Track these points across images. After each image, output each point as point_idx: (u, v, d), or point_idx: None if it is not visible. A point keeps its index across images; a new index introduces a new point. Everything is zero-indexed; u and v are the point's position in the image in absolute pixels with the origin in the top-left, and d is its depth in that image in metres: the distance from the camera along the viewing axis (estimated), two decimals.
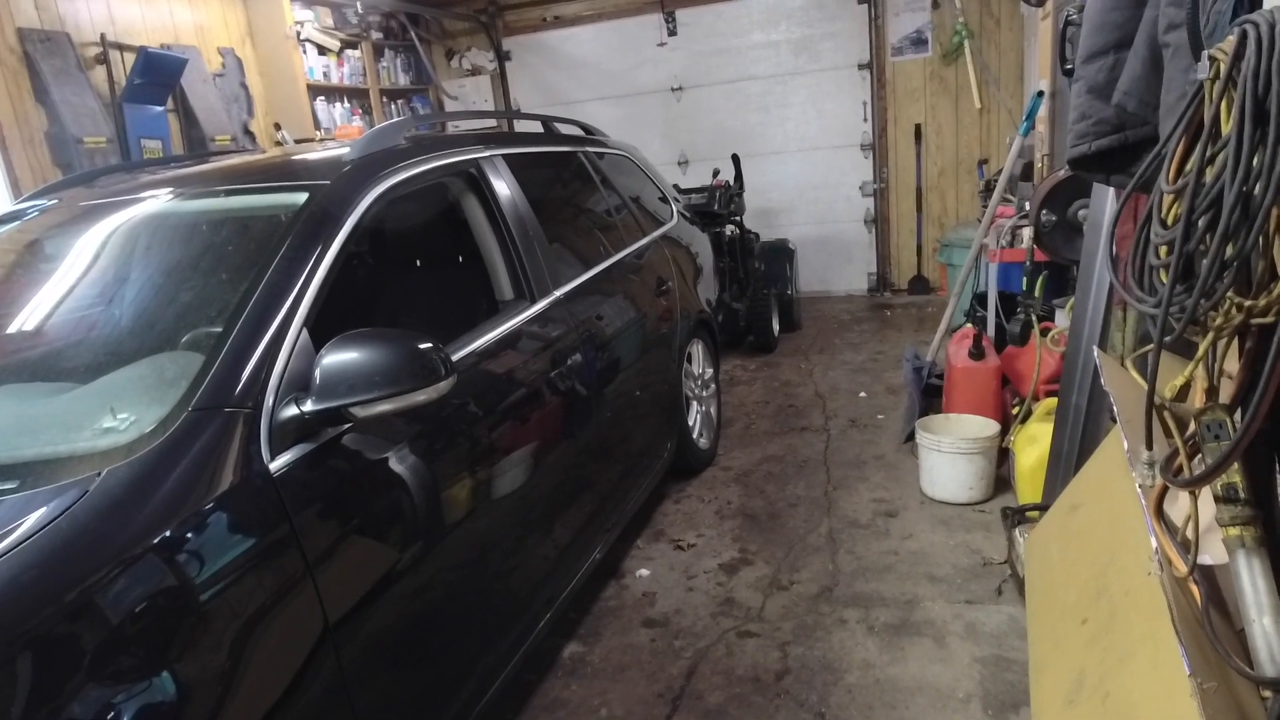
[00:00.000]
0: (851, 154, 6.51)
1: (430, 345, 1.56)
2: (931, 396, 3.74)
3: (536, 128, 3.34)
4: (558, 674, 2.37)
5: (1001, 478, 3.15)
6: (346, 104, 6.45)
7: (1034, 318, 3.03)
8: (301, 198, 1.87)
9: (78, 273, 2.09)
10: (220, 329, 1.66)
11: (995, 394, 3.32)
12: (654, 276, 3.23)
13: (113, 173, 2.67)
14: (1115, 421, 2.34)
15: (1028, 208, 3.53)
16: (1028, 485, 2.84)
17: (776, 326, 5.49)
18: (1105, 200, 2.39)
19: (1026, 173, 3.94)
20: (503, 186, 2.45)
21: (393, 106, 6.97)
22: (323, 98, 6.18)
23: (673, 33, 6.62)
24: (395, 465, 1.69)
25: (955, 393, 3.38)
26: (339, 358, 1.49)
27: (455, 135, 2.51)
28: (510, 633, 2.05)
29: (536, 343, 2.29)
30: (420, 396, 1.53)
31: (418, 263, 2.97)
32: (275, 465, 1.42)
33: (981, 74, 6.01)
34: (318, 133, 6.08)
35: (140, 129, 4.92)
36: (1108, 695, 1.56)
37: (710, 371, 3.78)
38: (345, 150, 2.12)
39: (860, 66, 6.30)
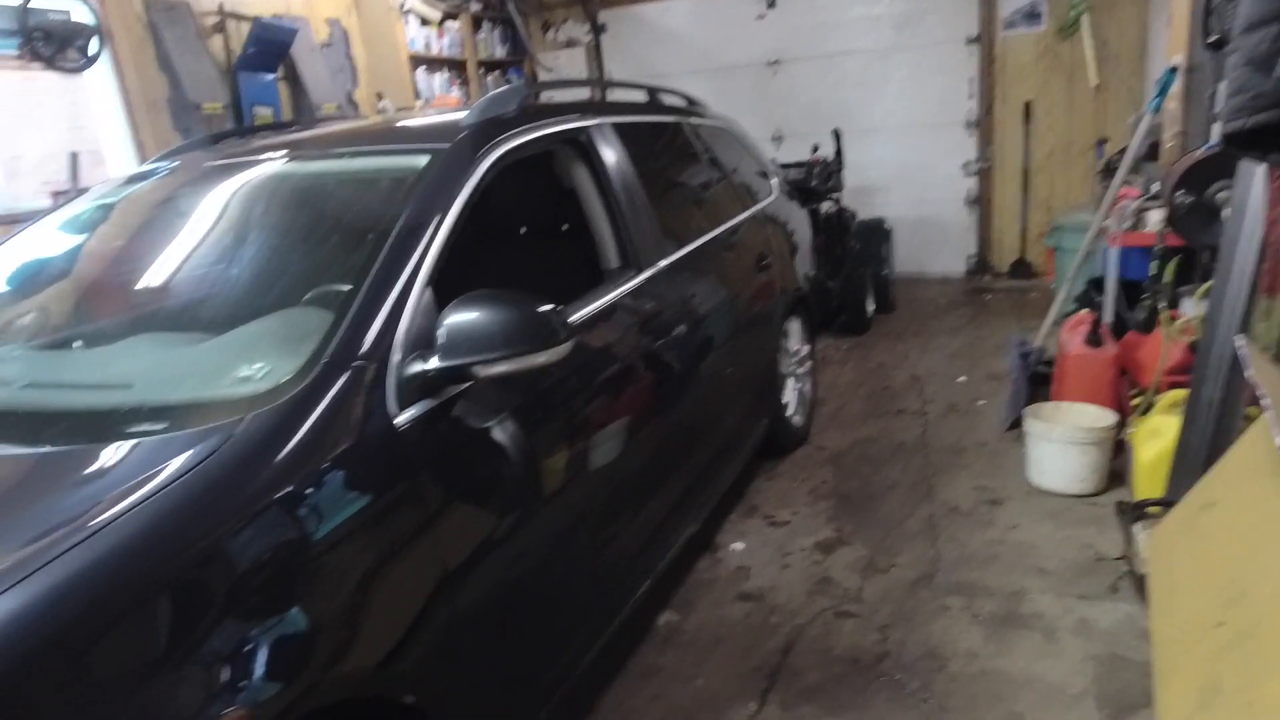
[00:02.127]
0: (954, 132, 6.27)
1: (550, 308, 1.57)
2: (1038, 384, 3.58)
3: (635, 96, 3.30)
4: (652, 642, 2.38)
5: (1115, 471, 3.00)
6: (445, 74, 6.54)
7: (1161, 305, 2.86)
8: (423, 160, 1.89)
9: (208, 230, 2.18)
10: (345, 286, 1.71)
11: (1112, 384, 3.16)
12: (755, 251, 3.18)
13: (235, 136, 2.77)
14: (1251, 417, 2.20)
15: (1154, 189, 3.33)
16: (1147, 480, 2.69)
17: (871, 307, 5.36)
18: (1253, 181, 2.22)
19: (1152, 152, 3.71)
20: (610, 154, 2.43)
21: (489, 78, 7.03)
22: (423, 68, 6.29)
23: (772, 5, 6.47)
24: (507, 426, 1.70)
25: (1068, 381, 3.23)
26: (463, 317, 1.51)
27: (564, 103, 2.50)
28: (608, 598, 2.07)
29: (641, 313, 2.28)
30: (540, 359, 1.54)
31: (527, 227, 3.00)
32: (400, 419, 1.45)
33: (1100, 49, 5.69)
34: (417, 102, 6.19)
35: (253, 96, 5.10)
36: (1251, 704, 1.46)
37: (806, 349, 3.71)
38: (461, 115, 2.14)
39: (968, 41, 6.04)
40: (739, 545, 2.85)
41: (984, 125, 6.18)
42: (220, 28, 4.97)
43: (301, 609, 1.22)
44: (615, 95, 3.05)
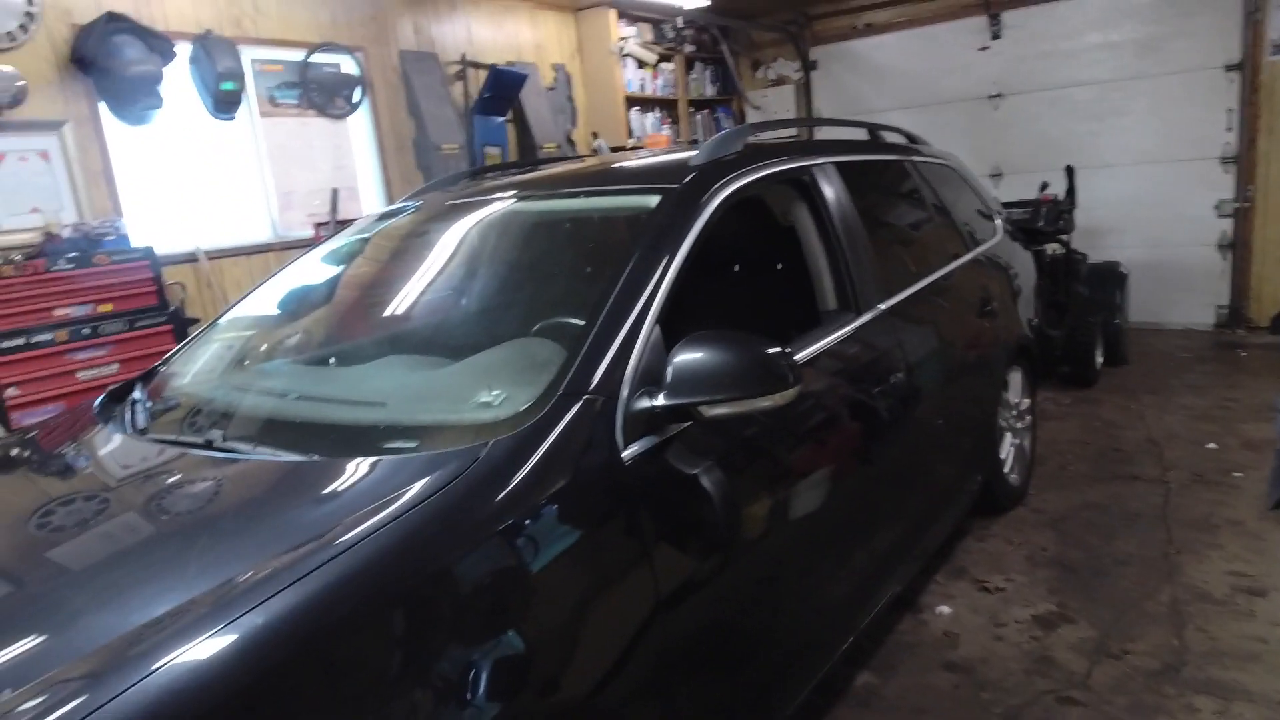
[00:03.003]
0: (1204, 168, 5.65)
1: (778, 350, 1.55)
2: None
3: (855, 134, 3.24)
4: (849, 703, 2.27)
5: None
6: (656, 113, 6.78)
7: None
8: (654, 200, 1.95)
9: (449, 263, 2.36)
10: (575, 320, 1.79)
11: None
12: (977, 295, 3.01)
13: (483, 174, 3.00)
14: None
15: None
16: None
17: (1099, 359, 4.90)
18: None
19: None
20: (832, 194, 2.39)
21: (698, 116, 7.20)
22: (637, 108, 6.55)
23: (996, 35, 6.17)
24: (722, 467, 1.70)
25: None
26: (691, 356, 1.53)
27: (787, 142, 2.51)
28: (810, 652, 2.00)
29: (858, 357, 2.22)
30: (765, 402, 1.52)
31: (748, 267, 3.02)
32: (626, 453, 1.49)
33: None
34: (629, 140, 6.46)
35: (484, 137, 5.54)
36: None
37: (1027, 402, 3.45)
38: (689, 155, 2.19)
39: (1228, 68, 5.44)
40: (946, 609, 2.68)
41: (1244, 160, 5.52)
42: (461, 75, 5.45)
43: (523, 633, 1.26)
44: (834, 133, 3.00)
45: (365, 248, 2.60)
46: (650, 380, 1.57)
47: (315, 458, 1.52)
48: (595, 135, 6.42)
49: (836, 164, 2.51)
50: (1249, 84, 5.40)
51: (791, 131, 6.13)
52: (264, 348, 2.29)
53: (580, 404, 1.48)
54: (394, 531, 1.20)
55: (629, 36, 6.43)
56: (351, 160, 4.93)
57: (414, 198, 2.78)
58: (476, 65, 5.50)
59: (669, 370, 1.54)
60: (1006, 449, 3.26)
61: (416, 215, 2.57)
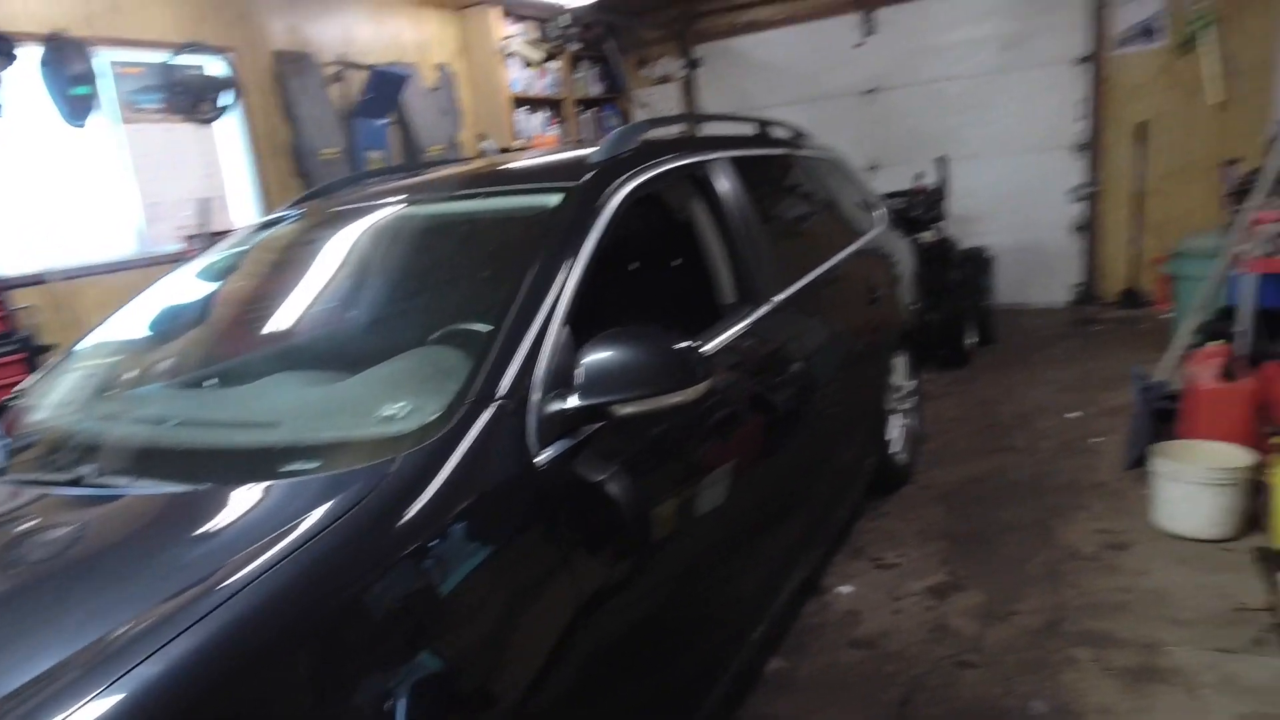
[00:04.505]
0: (1060, 156, 6.09)
1: (686, 346, 1.58)
2: (1161, 421, 3.40)
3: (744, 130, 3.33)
4: (764, 689, 2.34)
5: (1250, 515, 2.81)
6: (544, 113, 6.74)
7: None
8: (555, 199, 1.95)
9: (338, 272, 2.29)
10: (475, 326, 1.77)
11: (1247, 421, 2.98)
12: (864, 284, 3.15)
13: (369, 179, 2.91)
14: None
15: None
16: None
17: (971, 339, 5.21)
18: None
19: None
20: (728, 188, 2.45)
21: (585, 115, 7.21)
22: (524, 108, 6.49)
23: (870, 32, 6.44)
24: (635, 465, 1.72)
25: (1199, 418, 3.06)
26: (601, 356, 1.53)
27: (682, 138, 2.55)
28: (727, 642, 2.05)
29: (760, 348, 2.28)
30: (676, 398, 1.55)
31: (647, 263, 3.05)
32: (540, 459, 1.48)
33: (1225, 64, 5.42)
34: (515, 141, 6.40)
35: (366, 140, 5.37)
36: None
37: (912, 384, 3.64)
38: (586, 153, 2.19)
39: (1077, 61, 5.86)
40: (847, 589, 2.80)
41: (1093, 148, 5.97)
42: (339, 76, 5.27)
43: (445, 654, 1.23)
44: (724, 129, 3.06)
45: (245, 260, 2.49)
46: (562, 382, 1.57)
47: (203, 487, 1.44)
48: (482, 136, 6.33)
49: (730, 159, 2.57)
50: (1096, 76, 5.84)
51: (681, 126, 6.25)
52: (136, 372, 2.15)
53: (491, 410, 1.46)
54: (300, 561, 1.15)
55: (514, 35, 6.37)
56: (223, 168, 4.69)
57: (296, 205, 2.68)
58: (355, 66, 5.33)
59: (580, 371, 1.54)
60: (895, 430, 3.43)
61: (300, 223, 2.47)
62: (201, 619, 1.04)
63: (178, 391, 2.04)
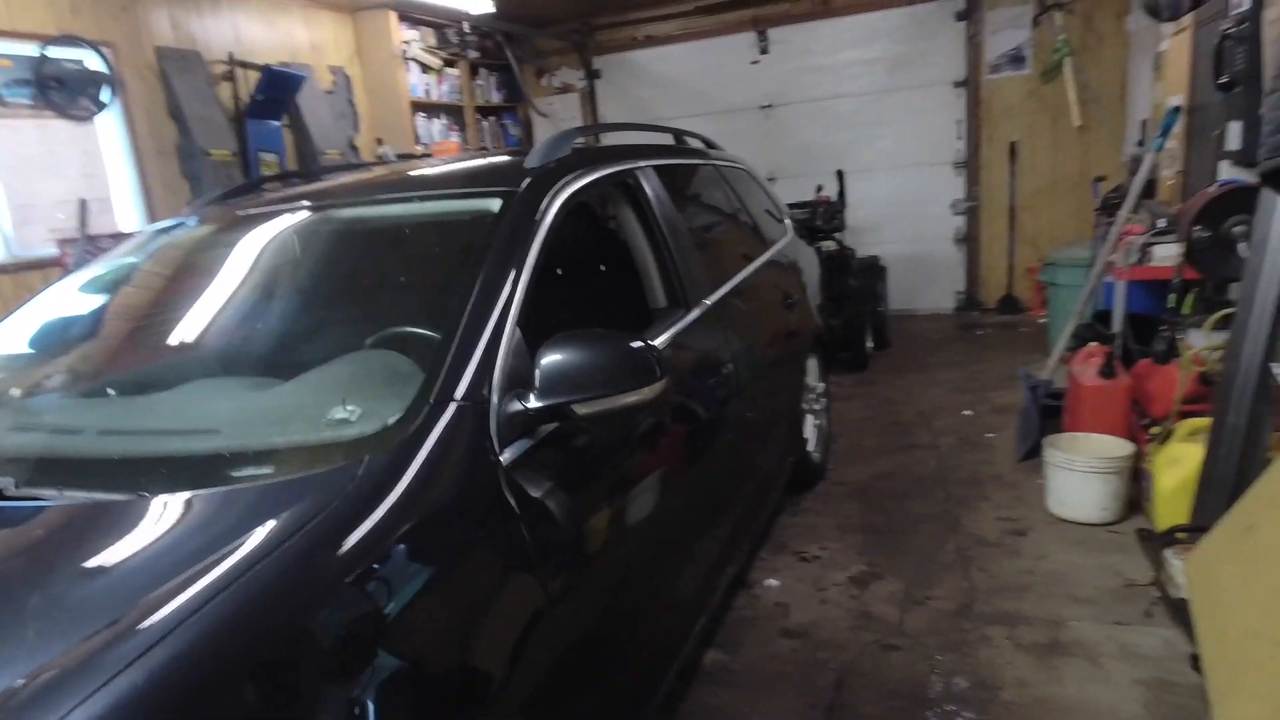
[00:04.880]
0: (943, 172, 6.48)
1: (644, 345, 1.61)
2: (1047, 417, 3.68)
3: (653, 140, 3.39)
4: (704, 682, 2.38)
5: (1130, 499, 3.08)
6: (443, 120, 6.63)
7: (1180, 336, 2.97)
8: (495, 204, 1.94)
9: (253, 278, 2.20)
10: (417, 329, 1.76)
11: (1125, 414, 3.26)
12: (781, 289, 3.26)
13: (273, 183, 2.81)
14: (1277, 443, 2.29)
15: (1160, 224, 3.48)
16: (1168, 507, 2.77)
17: (869, 344, 5.46)
18: (1274, 214, 2.34)
19: (1148, 190, 3.87)
20: (656, 196, 2.50)
21: (485, 123, 7.14)
22: (423, 114, 6.37)
23: (765, 51, 6.68)
24: (589, 464, 1.74)
25: (1082, 412, 3.32)
26: (559, 356, 1.54)
27: (609, 147, 2.57)
28: (673, 636, 2.08)
29: (694, 352, 2.33)
30: (634, 397, 1.57)
31: (577, 269, 3.05)
32: (504, 456, 1.47)
33: (1082, 92, 5.93)
34: (418, 147, 6.27)
35: (259, 142, 5.15)
36: None
37: (822, 385, 3.78)
38: (513, 159, 2.19)
39: (956, 84, 6.27)
40: (774, 582, 2.88)
41: (972, 165, 6.39)
42: (229, 76, 5.03)
43: (418, 651, 1.21)
44: (643, 138, 3.11)
45: (146, 265, 2.35)
46: (517, 383, 1.56)
47: (144, 496, 1.34)
48: (380, 142, 6.18)
49: (655, 167, 2.62)
50: (973, 98, 6.26)
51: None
52: (36, 382, 2.00)
53: (454, 411, 1.45)
54: (268, 571, 1.09)
55: (411, 40, 6.24)
56: (103, 168, 4.38)
57: (201, 208, 2.56)
58: (246, 65, 5.09)
59: (538, 372, 1.54)
60: (810, 430, 3.56)
61: (207, 228, 2.36)
62: (163, 638, 0.97)
63: (89, 400, 1.91)
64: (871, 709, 2.20)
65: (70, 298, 2.24)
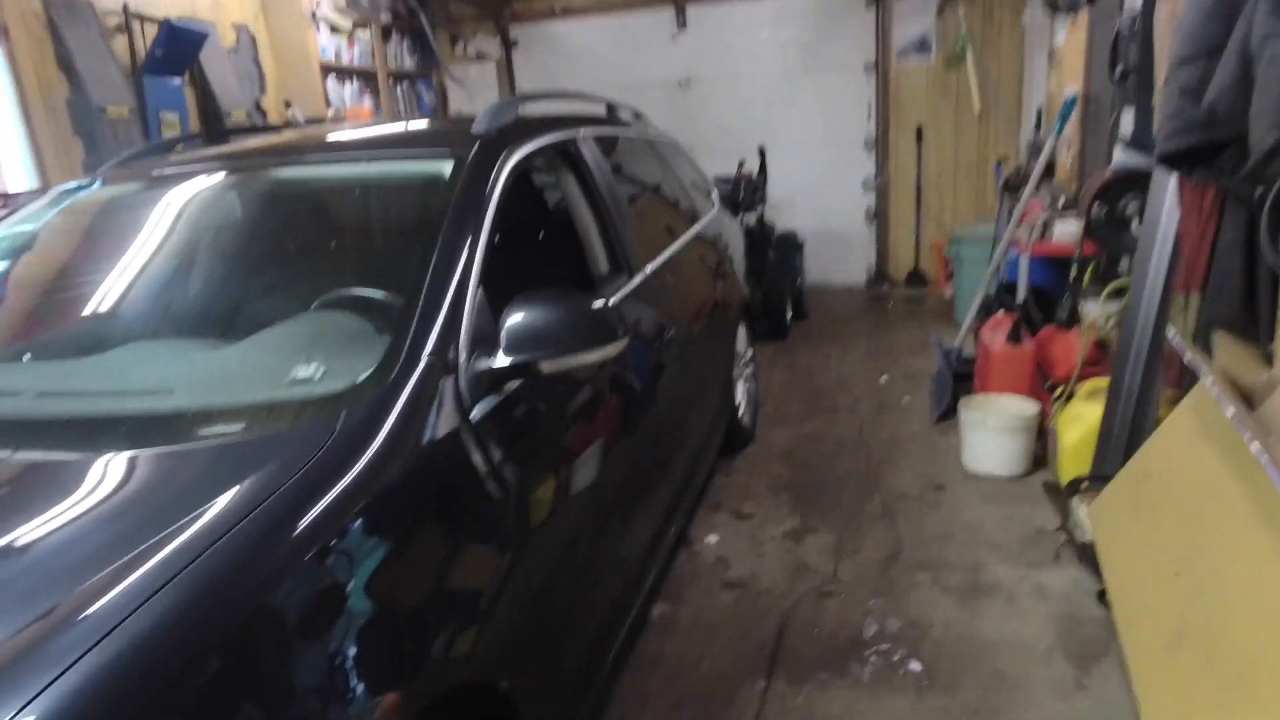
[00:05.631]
0: (855, 152, 6.69)
1: (604, 305, 1.64)
2: (958, 380, 3.90)
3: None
4: (651, 634, 2.46)
5: (1037, 454, 3.32)
6: (355, 84, 6.41)
7: (1081, 304, 3.21)
8: (447, 167, 1.93)
9: (181, 241, 2.12)
10: (367, 290, 1.76)
11: (1031, 376, 3.50)
12: (712, 258, 3.34)
13: (190, 141, 2.69)
14: (1169, 400, 2.52)
15: (1060, 203, 3.73)
16: (1071, 460, 3.00)
17: (788, 314, 5.64)
18: (1165, 194, 2.56)
19: (1048, 171, 4.13)
20: (596, 164, 2.52)
21: (399, 89, 6.93)
22: (334, 77, 6.14)
23: (683, 26, 6.72)
24: (550, 419, 1.77)
25: (992, 375, 3.55)
26: (524, 316, 1.57)
27: (549, 116, 2.57)
28: (628, 588, 2.14)
29: (639, 316, 2.37)
30: (597, 355, 1.61)
31: (525, 233, 3.03)
32: (474, 413, 1.49)
33: (982, 80, 6.23)
34: (329, 111, 6.04)
35: (159, 101, 4.85)
36: (1218, 637, 1.71)
37: (750, 352, 3.90)
38: (468, 123, 2.16)
39: (866, 68, 6.47)
40: (713, 538, 2.98)
41: (881, 146, 6.63)
42: (125, 28, 4.71)
43: (397, 605, 1.22)
44: (576, 108, 3.11)
45: (76, 224, 2.23)
46: (482, 342, 1.58)
47: (106, 454, 1.30)
48: (288, 104, 5.92)
49: (595, 137, 2.64)
50: (882, 82, 6.48)
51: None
52: None
53: (425, 367, 1.46)
54: (252, 528, 1.07)
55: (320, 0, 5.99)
56: None
57: (115, 169, 2.44)
58: (143, 19, 4.79)
59: (504, 331, 1.56)
60: (740, 395, 3.67)
61: (121, 189, 2.26)
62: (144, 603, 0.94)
63: (16, 365, 1.81)
64: (812, 650, 2.32)
65: None
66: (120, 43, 4.71)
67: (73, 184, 2.33)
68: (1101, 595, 2.40)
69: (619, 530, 2.09)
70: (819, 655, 2.30)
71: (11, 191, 4.08)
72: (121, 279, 2.04)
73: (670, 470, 2.52)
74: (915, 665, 2.23)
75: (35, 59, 4.25)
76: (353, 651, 1.10)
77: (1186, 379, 2.37)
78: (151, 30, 4.80)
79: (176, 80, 4.97)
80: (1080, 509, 2.66)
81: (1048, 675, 2.17)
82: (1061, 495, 2.90)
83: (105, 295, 2.01)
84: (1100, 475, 2.69)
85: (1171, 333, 2.30)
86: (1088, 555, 2.55)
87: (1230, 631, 1.68)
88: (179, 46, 4.87)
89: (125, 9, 4.73)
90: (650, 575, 2.31)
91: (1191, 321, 2.50)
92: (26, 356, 1.88)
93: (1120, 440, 2.75)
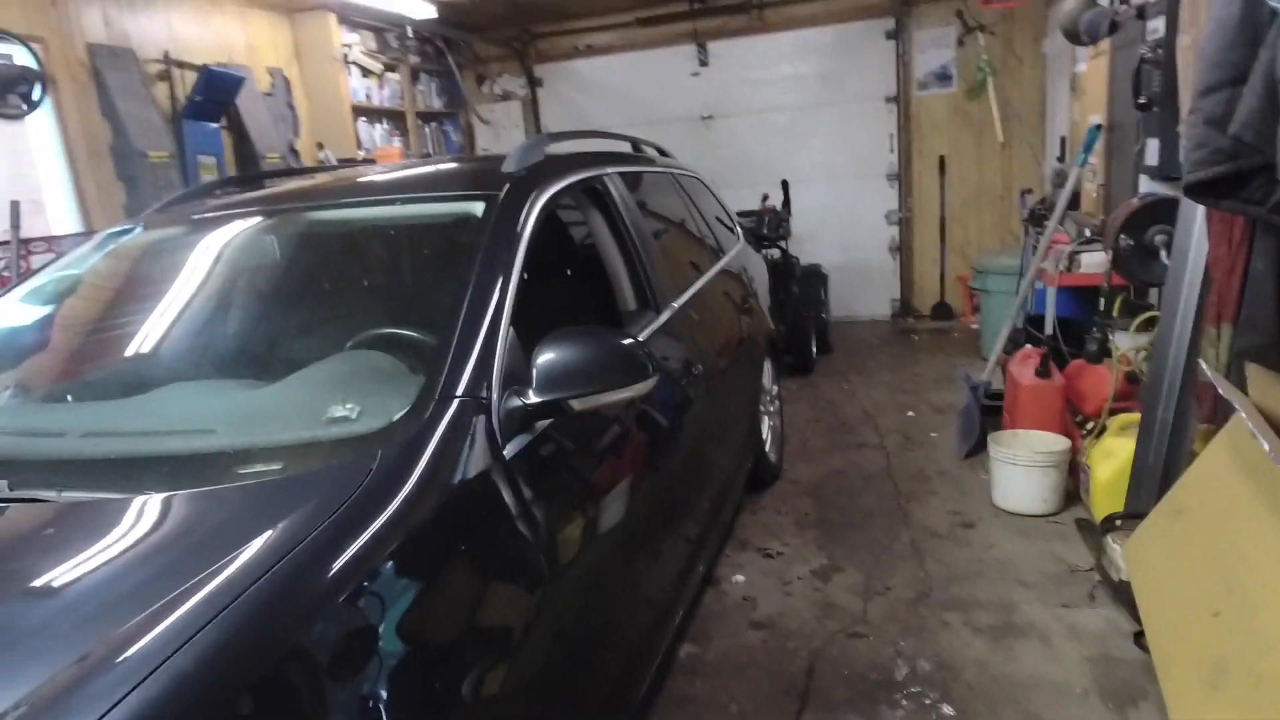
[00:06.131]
0: (877, 184, 6.72)
1: (634, 342, 1.66)
2: (987, 415, 3.87)
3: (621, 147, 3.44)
4: (679, 673, 2.44)
5: (1068, 490, 3.28)
6: (384, 125, 6.56)
7: (1110, 337, 3.18)
8: (478, 207, 1.97)
9: (220, 282, 2.18)
10: (400, 330, 1.80)
11: (1061, 411, 3.46)
12: (738, 293, 3.36)
13: (231, 184, 2.76)
14: (1204, 435, 2.49)
15: (1087, 234, 3.71)
16: (1104, 497, 2.96)
17: (814, 348, 5.63)
18: (1193, 225, 2.55)
19: (1073, 202, 4.12)
20: (624, 201, 2.56)
21: (427, 129, 7.09)
22: (364, 118, 6.29)
23: (704, 63, 6.82)
24: (580, 459, 1.78)
25: (1020, 410, 3.51)
26: (555, 354, 1.59)
27: (577, 154, 2.62)
28: (657, 627, 2.13)
29: (667, 352, 2.39)
30: (628, 393, 1.62)
31: (554, 271, 3.08)
32: (507, 451, 1.51)
33: (1004, 109, 6.25)
34: (359, 152, 6.18)
35: (198, 145, 5.00)
36: (1260, 678, 1.67)
37: (775, 388, 3.90)
38: (497, 163, 2.21)
39: (887, 100, 6.52)
40: (740, 578, 2.96)
41: (903, 178, 6.65)
42: (165, 75, 4.88)
43: (429, 641, 1.24)
44: (602, 145, 3.16)
45: (104, 268, 2.30)
46: (514, 380, 1.60)
47: (151, 494, 1.33)
48: (320, 146, 6.07)
49: (622, 174, 2.69)
50: (903, 113, 6.52)
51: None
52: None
53: (458, 406, 1.48)
54: (296, 562, 1.10)
55: (352, 44, 6.16)
56: (35, 168, 4.20)
57: (158, 213, 2.51)
58: (183, 65, 4.95)
59: (535, 369, 1.58)
60: (766, 430, 3.66)
61: (162, 234, 2.32)
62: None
63: (56, 405, 1.86)
64: (842, 692, 2.29)
65: (37, 301, 2.17)
66: (160, 89, 4.87)
67: (117, 228, 2.40)
68: (1138, 637, 2.35)
69: (647, 568, 2.09)
70: (849, 697, 2.27)
71: (57, 234, 4.22)
72: (162, 321, 2.10)
73: (697, 507, 2.51)
74: (948, 709, 2.20)
75: (80, 107, 4.41)
76: (384, 693, 1.11)
77: (1220, 412, 2.34)
78: (190, 76, 4.97)
79: (214, 124, 5.12)
80: (1114, 547, 2.62)
81: (1084, 719, 2.12)
82: (1095, 532, 2.86)
83: (147, 336, 2.07)
84: (1135, 513, 2.65)
85: (1205, 366, 2.28)
86: (1123, 594, 2.50)
87: (1273, 672, 1.64)
88: (217, 90, 5.03)
89: (166, 55, 4.90)
90: (678, 613, 2.29)
91: (1224, 353, 2.47)
92: (69, 398, 1.93)
93: (1154, 476, 2.71)
